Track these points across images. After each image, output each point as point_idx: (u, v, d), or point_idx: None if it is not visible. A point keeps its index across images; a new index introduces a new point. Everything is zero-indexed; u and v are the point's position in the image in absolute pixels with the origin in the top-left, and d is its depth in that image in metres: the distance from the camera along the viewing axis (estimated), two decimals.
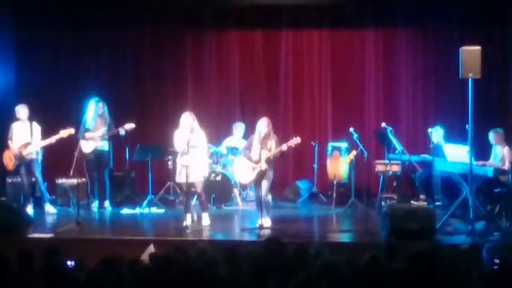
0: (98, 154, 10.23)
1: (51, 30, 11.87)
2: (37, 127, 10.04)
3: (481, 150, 9.74)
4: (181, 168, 8.84)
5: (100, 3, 11.67)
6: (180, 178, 8.89)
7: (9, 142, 10.05)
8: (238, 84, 11.99)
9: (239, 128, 11.04)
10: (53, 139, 9.87)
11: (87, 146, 10.15)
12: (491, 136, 9.61)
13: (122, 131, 10.15)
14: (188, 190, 8.89)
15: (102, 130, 10.20)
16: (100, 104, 10.24)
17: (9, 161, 10.06)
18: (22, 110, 10.02)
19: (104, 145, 10.26)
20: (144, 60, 12.00)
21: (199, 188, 8.95)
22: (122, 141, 10.58)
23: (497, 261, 5.32)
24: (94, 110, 10.15)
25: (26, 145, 9.94)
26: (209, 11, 11.84)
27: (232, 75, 11.99)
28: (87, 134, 10.09)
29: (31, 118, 10.06)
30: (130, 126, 10.18)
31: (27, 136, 9.97)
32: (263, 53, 11.94)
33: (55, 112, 11.38)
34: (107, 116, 10.30)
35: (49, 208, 10.06)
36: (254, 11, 11.72)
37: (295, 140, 8.68)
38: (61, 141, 9.93)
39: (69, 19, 11.80)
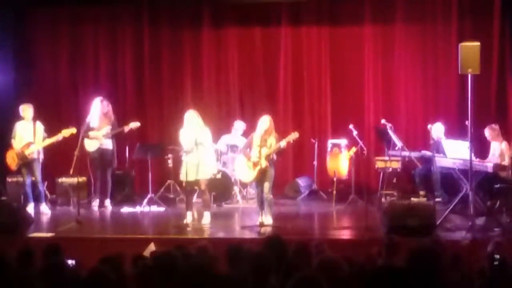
0: (102, 153, 10.20)
1: (49, 28, 11.87)
2: (40, 127, 10.00)
3: (481, 146, 9.73)
4: (186, 166, 8.80)
5: (98, 1, 11.66)
6: (184, 176, 8.84)
7: (12, 141, 9.99)
8: (237, 82, 11.95)
9: (238, 126, 11.03)
10: (55, 139, 9.85)
11: (91, 145, 10.13)
12: (487, 133, 9.60)
13: (126, 129, 10.15)
14: (191, 188, 8.86)
15: (106, 128, 10.19)
16: (105, 103, 10.22)
17: (12, 161, 10.02)
18: (27, 110, 9.97)
19: (108, 144, 10.23)
20: (142, 59, 11.96)
21: (203, 186, 8.94)
22: (122, 140, 10.57)
23: (497, 256, 5.32)
24: (98, 109, 10.14)
25: (29, 144, 9.90)
26: (207, 8, 11.82)
27: (231, 72, 11.95)
28: (91, 133, 10.07)
29: (34, 118, 10.02)
30: (135, 124, 10.17)
31: (30, 136, 9.94)
32: (262, 50, 11.91)
33: (54, 111, 11.37)
34: (111, 115, 10.28)
35: (44, 209, 10.03)
36: (253, 8, 11.70)
37: (293, 136, 8.66)
38: (62, 140, 9.92)
39: (67, 16, 11.82)
